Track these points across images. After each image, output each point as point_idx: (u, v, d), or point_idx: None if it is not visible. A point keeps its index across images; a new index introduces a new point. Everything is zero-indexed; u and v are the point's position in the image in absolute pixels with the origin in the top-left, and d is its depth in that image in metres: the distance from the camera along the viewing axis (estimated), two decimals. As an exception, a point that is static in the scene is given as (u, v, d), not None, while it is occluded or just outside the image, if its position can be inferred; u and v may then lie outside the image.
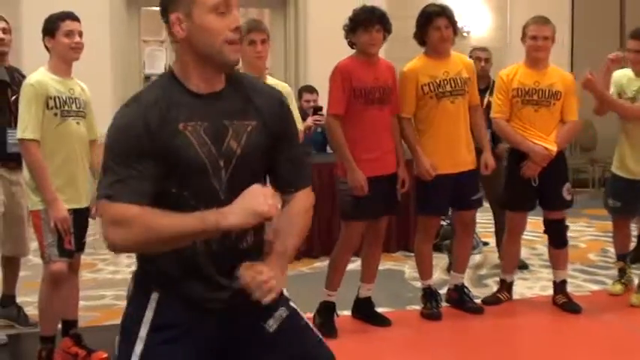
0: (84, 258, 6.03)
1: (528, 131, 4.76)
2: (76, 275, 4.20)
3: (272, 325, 2.12)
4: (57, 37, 3.91)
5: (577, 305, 4.92)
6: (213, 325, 2.08)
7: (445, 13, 4.64)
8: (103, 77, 7.86)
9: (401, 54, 7.40)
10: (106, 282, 5.64)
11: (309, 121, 6.04)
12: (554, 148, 4.71)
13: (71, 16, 3.97)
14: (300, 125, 4.41)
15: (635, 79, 4.97)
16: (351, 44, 4.50)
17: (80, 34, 3.98)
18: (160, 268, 2.05)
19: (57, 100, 3.85)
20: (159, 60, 10.10)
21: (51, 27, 3.92)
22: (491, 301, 5.02)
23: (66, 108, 3.88)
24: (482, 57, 5.92)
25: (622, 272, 5.25)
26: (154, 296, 2.06)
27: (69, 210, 3.86)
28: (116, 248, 1.96)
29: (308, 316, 4.58)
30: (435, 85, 4.60)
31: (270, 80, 4.41)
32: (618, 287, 5.20)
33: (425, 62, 4.68)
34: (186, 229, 1.88)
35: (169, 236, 1.89)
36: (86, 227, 4.10)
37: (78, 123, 3.94)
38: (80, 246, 4.05)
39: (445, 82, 4.61)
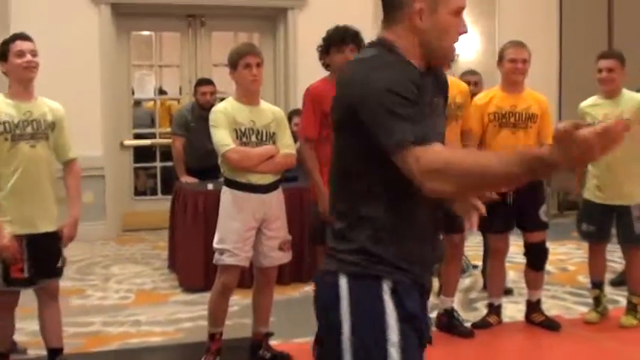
0: (72, 284, 6.06)
1: None
2: (55, 301, 4.08)
3: None
4: (9, 60, 3.87)
5: (555, 323, 4.97)
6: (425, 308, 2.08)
7: None
8: (92, 101, 7.89)
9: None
10: (94, 308, 5.59)
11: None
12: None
13: (21, 37, 3.93)
14: (293, 149, 4.41)
15: (602, 104, 5.00)
16: (326, 65, 4.48)
17: (33, 53, 3.91)
18: (401, 252, 1.95)
19: (7, 125, 3.80)
20: (148, 84, 10.11)
21: (2, 51, 3.89)
22: (481, 325, 5.01)
23: (17, 132, 3.83)
24: (471, 80, 5.96)
25: (597, 300, 5.20)
26: (387, 285, 1.93)
27: (19, 236, 3.80)
28: (435, 194, 1.82)
29: (301, 341, 4.63)
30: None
31: (265, 105, 4.42)
32: (593, 315, 5.16)
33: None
34: (510, 169, 1.72)
35: (494, 175, 1.75)
36: (55, 252, 3.96)
37: (33, 146, 3.87)
38: (53, 272, 3.95)
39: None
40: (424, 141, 1.81)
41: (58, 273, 4.00)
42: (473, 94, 5.79)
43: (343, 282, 1.92)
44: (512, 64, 4.81)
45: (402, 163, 1.82)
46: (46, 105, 3.98)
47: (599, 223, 5.07)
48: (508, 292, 5.72)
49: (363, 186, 1.94)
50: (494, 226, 4.83)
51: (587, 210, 5.14)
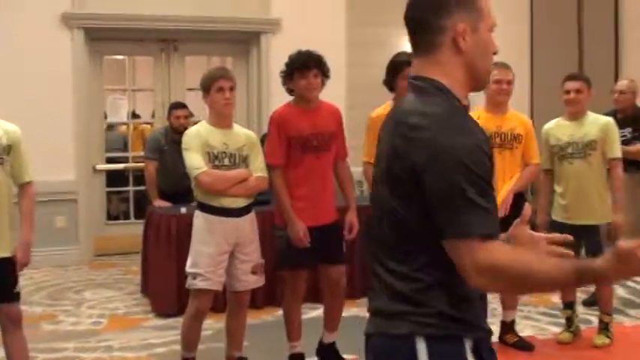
0: (43, 309, 6.00)
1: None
2: (19, 328, 3.96)
3: None
4: None
5: (529, 343, 5.04)
6: None
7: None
8: (65, 125, 7.85)
9: (362, 99, 7.52)
10: (66, 334, 5.53)
11: None
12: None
13: None
14: (266, 172, 4.42)
15: (566, 126, 5.08)
16: (289, 91, 4.49)
17: None
18: (474, 312, 1.85)
19: None
20: (121, 108, 10.08)
21: None
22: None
23: None
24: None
25: (569, 321, 5.25)
26: (468, 345, 1.81)
27: None
28: (486, 289, 1.75)
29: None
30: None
31: (238, 128, 4.44)
32: (566, 335, 5.21)
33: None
34: (562, 278, 1.70)
35: (545, 282, 1.71)
36: (9, 277, 3.85)
37: None
38: (10, 296, 3.86)
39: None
40: (492, 237, 1.71)
41: (15, 298, 3.91)
42: None
43: (421, 345, 1.78)
44: (497, 85, 4.87)
45: (453, 250, 1.71)
46: (0, 128, 3.88)
47: (570, 244, 5.09)
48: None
49: (430, 252, 1.78)
50: None
51: (556, 231, 5.17)
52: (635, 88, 6.22)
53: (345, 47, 8.57)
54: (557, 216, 5.14)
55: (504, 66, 4.93)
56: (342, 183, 4.65)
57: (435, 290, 1.79)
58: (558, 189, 5.11)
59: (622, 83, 6.20)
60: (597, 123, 5.06)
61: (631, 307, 6.12)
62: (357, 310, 5.89)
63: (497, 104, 4.92)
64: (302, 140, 4.37)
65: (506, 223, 4.98)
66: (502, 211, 4.82)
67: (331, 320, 4.67)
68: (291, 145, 4.37)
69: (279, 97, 8.08)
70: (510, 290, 1.78)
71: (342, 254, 4.62)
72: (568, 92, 5.06)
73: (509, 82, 4.90)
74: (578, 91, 5.02)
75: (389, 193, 1.84)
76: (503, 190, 4.79)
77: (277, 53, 8.35)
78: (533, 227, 4.60)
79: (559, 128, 5.12)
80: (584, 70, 9.26)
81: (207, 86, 4.26)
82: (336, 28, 8.58)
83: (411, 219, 1.79)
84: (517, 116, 5.03)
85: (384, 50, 7.69)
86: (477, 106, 5.05)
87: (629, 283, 6.68)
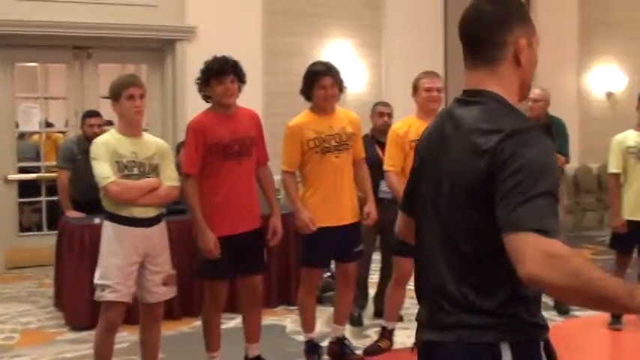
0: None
1: None
2: None
3: None
4: None
5: None
6: None
7: (330, 72, 4.74)
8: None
9: (280, 109, 7.54)
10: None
11: None
12: None
13: None
14: (177, 182, 4.35)
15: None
16: (206, 97, 4.46)
17: None
18: (541, 314, 1.94)
19: None
20: (33, 117, 9.84)
21: None
22: (372, 350, 5.07)
23: None
24: (384, 112, 6.06)
25: None
26: (542, 345, 1.91)
27: None
28: (539, 283, 1.69)
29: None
30: (320, 140, 4.68)
31: (148, 137, 4.37)
32: None
33: (310, 117, 4.76)
34: (612, 296, 1.68)
35: (595, 292, 1.68)
36: None
37: None
38: None
39: (330, 137, 4.70)
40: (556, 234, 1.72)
41: None
42: (386, 125, 5.90)
43: (506, 351, 1.85)
44: (427, 92, 4.94)
45: (509, 243, 1.72)
46: None
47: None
48: (398, 319, 5.81)
49: (505, 265, 1.76)
50: (410, 249, 4.93)
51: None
52: (547, 97, 6.38)
53: (261, 55, 8.58)
54: None
55: (433, 74, 5.03)
56: (265, 188, 4.64)
57: (516, 301, 1.86)
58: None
59: (536, 92, 6.32)
60: None
61: (544, 309, 6.27)
62: (273, 319, 5.90)
63: (429, 112, 4.99)
64: (222, 147, 4.34)
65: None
66: None
67: (251, 331, 4.64)
68: (211, 152, 4.33)
69: (194, 105, 8.05)
70: (564, 287, 1.65)
71: (263, 262, 4.61)
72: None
73: (439, 90, 4.99)
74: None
75: (465, 207, 1.87)
76: None
77: (193, 61, 8.28)
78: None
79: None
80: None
81: (116, 93, 4.19)
82: (253, 36, 8.58)
83: (479, 228, 1.84)
84: None
85: (301, 59, 7.74)
86: (409, 115, 5.13)
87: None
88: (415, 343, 2.16)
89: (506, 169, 1.76)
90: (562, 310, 6.16)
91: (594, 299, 1.70)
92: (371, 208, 4.92)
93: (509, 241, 1.72)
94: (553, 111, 6.32)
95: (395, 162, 4.96)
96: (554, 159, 1.85)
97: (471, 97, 2.00)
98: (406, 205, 2.25)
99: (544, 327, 1.93)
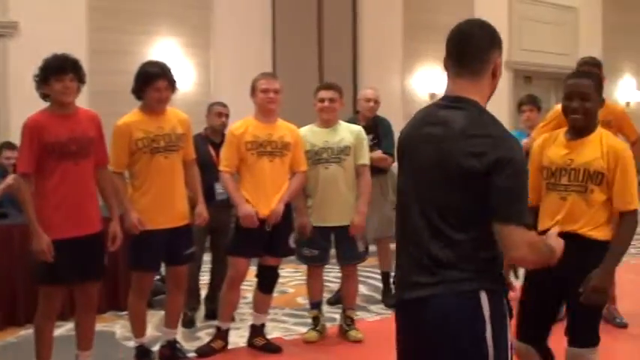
0: None
1: (261, 183, 4.94)
2: None
3: None
4: None
5: (276, 345, 5.18)
6: None
7: (165, 74, 4.67)
8: None
9: (106, 108, 7.31)
10: None
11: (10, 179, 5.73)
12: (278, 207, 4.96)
13: None
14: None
15: (321, 131, 5.33)
16: (44, 96, 4.27)
17: None
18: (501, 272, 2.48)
19: None
20: None
21: None
22: (205, 351, 5.03)
23: None
24: (222, 112, 6.01)
25: (316, 320, 5.46)
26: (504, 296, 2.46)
27: None
28: (524, 262, 2.52)
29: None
30: (148, 140, 4.61)
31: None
32: (313, 334, 5.41)
33: (140, 117, 4.68)
34: (549, 255, 2.45)
35: (545, 258, 2.42)
36: None
37: None
38: None
39: (159, 137, 4.64)
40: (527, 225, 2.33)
41: None
42: (224, 126, 5.84)
43: (484, 297, 2.33)
44: (264, 94, 4.96)
45: (503, 232, 2.27)
46: None
47: (321, 245, 5.33)
48: (231, 319, 5.81)
49: (485, 233, 2.31)
50: (245, 250, 4.94)
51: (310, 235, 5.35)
52: (379, 97, 6.47)
53: (86, 53, 8.28)
54: (312, 218, 5.34)
55: (271, 75, 5.08)
56: (103, 191, 4.46)
57: (490, 261, 2.37)
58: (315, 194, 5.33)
59: (369, 92, 6.41)
60: (348, 130, 5.37)
61: (372, 303, 6.48)
62: (102, 325, 5.71)
63: (266, 113, 5.00)
64: (59, 146, 4.14)
65: (278, 235, 5.09)
66: (273, 220, 4.94)
67: (85, 338, 4.45)
68: (47, 151, 4.13)
69: (19, 104, 7.74)
70: (534, 263, 2.45)
71: (102, 267, 4.43)
72: (323, 100, 5.31)
73: (277, 91, 5.02)
74: (332, 100, 5.28)
75: (453, 190, 2.33)
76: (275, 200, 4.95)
77: (16, 57, 7.95)
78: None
79: (313, 134, 5.32)
80: (324, 79, 9.67)
81: None
82: (77, 33, 8.28)
83: (475, 206, 2.31)
84: (286, 125, 5.15)
85: (128, 58, 7.57)
86: (247, 116, 5.13)
87: (371, 281, 7.05)
88: (395, 304, 2.56)
89: (502, 171, 2.25)
90: (390, 303, 6.34)
91: (545, 262, 2.43)
92: (201, 208, 4.89)
93: (501, 228, 2.27)
94: (379, 111, 6.47)
95: (229, 162, 4.97)
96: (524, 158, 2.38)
97: (453, 103, 2.41)
98: None
99: (504, 281, 2.53)
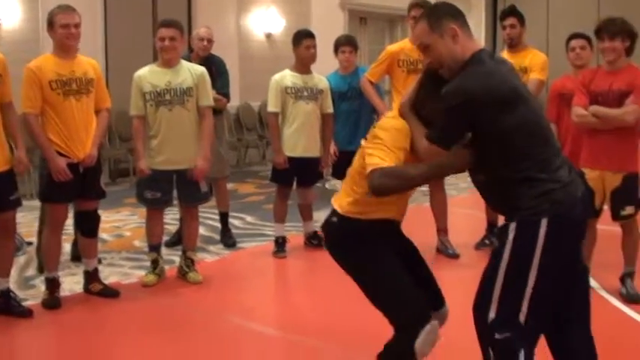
0: None
1: (73, 126, 4.79)
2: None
3: None
4: None
5: (114, 290, 5.14)
6: None
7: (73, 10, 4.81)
8: None
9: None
10: None
11: None
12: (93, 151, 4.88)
13: None
14: None
15: (162, 71, 5.27)
16: None
17: None
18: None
19: None
20: None
21: None
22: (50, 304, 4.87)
23: None
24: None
25: (155, 263, 5.44)
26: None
27: None
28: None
29: None
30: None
31: None
32: (151, 277, 5.38)
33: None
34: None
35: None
36: None
37: None
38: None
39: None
40: None
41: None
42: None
43: (544, 223, 2.74)
44: (65, 29, 4.74)
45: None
46: None
47: (164, 188, 5.28)
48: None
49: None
50: (59, 195, 4.82)
51: (150, 177, 5.25)
52: (212, 36, 6.38)
53: None
54: (153, 164, 5.29)
55: (70, 8, 4.82)
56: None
57: (541, 196, 2.77)
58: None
59: (204, 31, 6.25)
60: (192, 70, 5.32)
61: (211, 243, 6.50)
62: None
63: (67, 49, 4.79)
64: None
65: (89, 178, 5.01)
66: (89, 164, 4.81)
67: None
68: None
69: None
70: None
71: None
72: (163, 39, 5.21)
73: (77, 26, 4.79)
74: (172, 38, 5.21)
75: (490, 130, 2.78)
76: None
77: None
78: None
79: (154, 75, 5.25)
80: (158, 17, 9.50)
81: None
82: None
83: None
84: (87, 60, 4.96)
85: None
86: (45, 53, 4.95)
87: (209, 222, 7.05)
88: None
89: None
90: (229, 243, 6.42)
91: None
92: (21, 154, 4.66)
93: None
94: (214, 51, 6.41)
95: (34, 103, 4.72)
96: None
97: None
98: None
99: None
